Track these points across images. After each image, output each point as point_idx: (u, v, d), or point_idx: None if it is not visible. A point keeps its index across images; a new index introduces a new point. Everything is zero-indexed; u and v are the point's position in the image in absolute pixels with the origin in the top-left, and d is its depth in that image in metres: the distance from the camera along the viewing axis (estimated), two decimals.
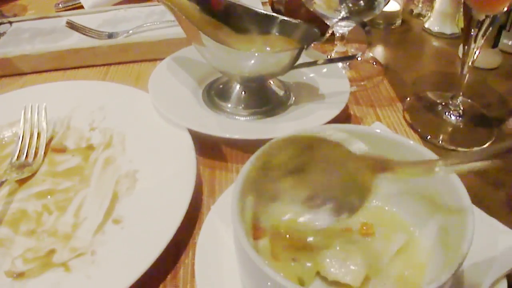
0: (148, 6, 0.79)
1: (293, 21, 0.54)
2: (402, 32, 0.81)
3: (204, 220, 0.40)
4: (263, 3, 0.74)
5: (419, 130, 0.57)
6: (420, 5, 0.84)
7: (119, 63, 0.68)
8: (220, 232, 0.39)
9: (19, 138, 0.53)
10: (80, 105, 0.57)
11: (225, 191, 0.43)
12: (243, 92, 0.56)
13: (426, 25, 0.80)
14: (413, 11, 0.85)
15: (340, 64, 0.63)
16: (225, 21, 0.57)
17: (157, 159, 0.48)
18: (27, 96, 0.59)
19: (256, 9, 0.57)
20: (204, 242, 0.39)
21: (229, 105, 0.56)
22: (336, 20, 0.58)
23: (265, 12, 0.56)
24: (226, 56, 0.52)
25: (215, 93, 0.57)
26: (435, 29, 0.79)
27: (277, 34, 0.56)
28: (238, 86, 0.56)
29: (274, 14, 0.55)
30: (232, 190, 0.34)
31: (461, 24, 0.80)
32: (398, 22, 0.81)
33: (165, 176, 0.46)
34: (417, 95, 0.64)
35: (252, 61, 0.51)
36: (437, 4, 0.79)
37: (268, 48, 0.55)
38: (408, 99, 0.62)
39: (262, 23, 0.56)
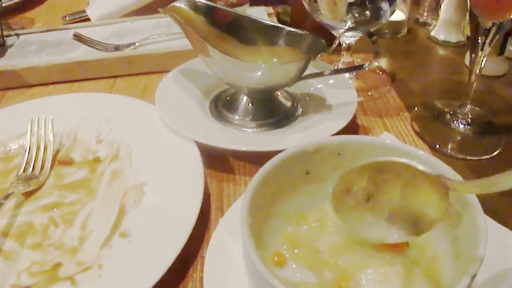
0: (155, 19, 0.79)
1: (300, 32, 0.54)
2: (408, 41, 0.81)
3: (212, 234, 0.40)
4: (269, 14, 0.74)
5: (427, 139, 0.57)
6: (425, 14, 0.84)
7: (126, 75, 0.68)
8: (228, 245, 0.39)
9: (26, 150, 0.53)
10: (86, 117, 0.57)
11: (233, 204, 0.43)
12: (250, 104, 0.56)
13: (432, 34, 0.80)
14: (418, 20, 0.85)
15: (347, 75, 0.63)
16: (231, 33, 0.57)
17: (164, 172, 0.48)
18: (33, 108, 0.59)
19: (263, 20, 0.57)
20: (212, 256, 0.38)
21: (236, 117, 0.55)
22: (343, 30, 0.57)
23: (271, 23, 0.56)
24: (233, 68, 0.52)
25: (222, 105, 0.57)
26: (441, 37, 0.79)
27: (283, 45, 0.56)
28: (245, 98, 0.56)
29: (281, 25, 0.55)
30: (241, 202, 0.33)
31: (467, 32, 0.81)
32: (404, 31, 0.81)
33: (172, 189, 0.46)
34: (424, 104, 0.63)
35: (259, 73, 0.51)
36: (442, 13, 0.79)
37: (275, 59, 0.55)
38: (416, 108, 0.62)
39: (269, 34, 0.56)
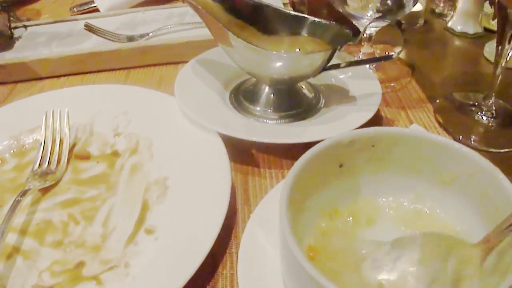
0: (167, 9, 0.77)
1: (324, 22, 0.52)
2: (425, 32, 0.79)
3: (244, 230, 0.38)
4: (284, 4, 0.72)
5: (451, 130, 0.55)
6: (441, 5, 0.83)
7: (140, 67, 0.66)
8: (261, 241, 0.37)
9: (41, 144, 0.51)
10: (102, 110, 0.55)
11: (263, 198, 0.41)
12: (272, 95, 0.54)
13: (449, 25, 0.79)
14: (434, 11, 0.84)
15: (367, 66, 0.61)
16: (251, 22, 0.56)
17: (188, 165, 0.46)
18: (47, 101, 0.57)
19: (284, 10, 0.55)
20: (245, 253, 0.37)
21: (258, 108, 0.54)
22: (370, 20, 0.56)
23: (293, 13, 0.54)
24: (256, 57, 0.50)
25: (243, 96, 0.55)
26: (458, 28, 0.78)
27: (305, 35, 0.54)
28: (267, 89, 0.54)
29: (303, 15, 0.54)
30: (280, 197, 0.32)
31: (484, 24, 0.79)
32: (421, 22, 0.80)
33: (197, 183, 0.44)
34: (446, 96, 0.62)
35: (284, 62, 0.50)
36: (459, 4, 0.77)
37: (297, 50, 0.54)
38: (438, 100, 0.61)
39: (290, 24, 0.54)
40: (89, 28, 0.67)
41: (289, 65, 0.50)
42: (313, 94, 0.56)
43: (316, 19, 0.52)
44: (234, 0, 0.56)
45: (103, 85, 0.59)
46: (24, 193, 0.45)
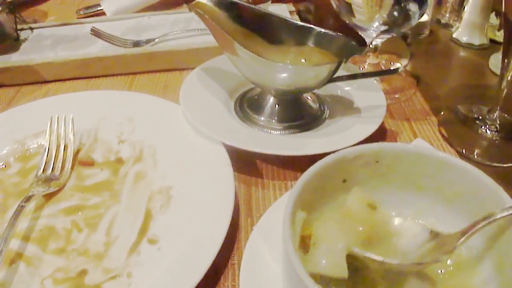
0: (173, 14, 0.77)
1: (330, 33, 0.52)
2: (430, 42, 0.79)
3: (247, 242, 0.38)
4: (290, 12, 0.72)
5: (454, 144, 0.55)
6: (447, 15, 0.83)
7: (145, 72, 0.66)
8: (264, 254, 0.37)
9: (45, 150, 0.52)
10: (107, 116, 0.55)
11: (267, 209, 0.41)
12: (276, 105, 0.54)
13: (454, 36, 0.79)
14: (440, 21, 0.83)
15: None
16: (256, 31, 0.56)
17: (191, 175, 0.46)
18: (52, 106, 0.57)
19: (290, 19, 0.55)
20: (247, 265, 0.37)
21: (262, 118, 0.54)
22: (376, 32, 0.56)
23: (299, 23, 0.54)
24: (261, 68, 0.50)
25: (248, 105, 0.56)
26: (464, 39, 0.77)
27: (312, 45, 0.54)
28: (271, 99, 0.55)
29: (309, 25, 0.54)
30: (283, 212, 0.32)
31: (490, 35, 0.79)
32: (426, 32, 0.80)
33: (201, 194, 0.44)
34: (450, 108, 0.62)
35: (289, 74, 0.50)
36: (465, 14, 0.77)
37: (303, 60, 0.54)
38: (442, 112, 0.61)
39: (296, 33, 0.54)
40: (96, 32, 0.68)
41: (294, 77, 0.50)
42: (317, 105, 0.56)
43: (323, 30, 0.52)
44: (240, 9, 0.56)
45: (108, 91, 0.59)
46: (28, 199, 0.46)
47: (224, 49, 0.53)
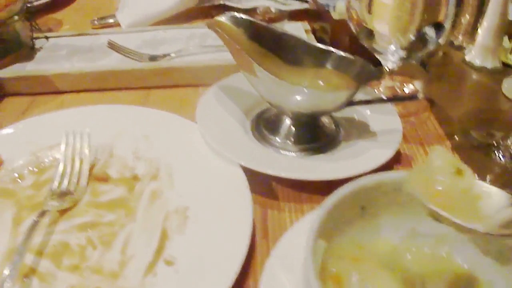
0: (189, 29, 0.78)
1: (349, 56, 0.52)
2: (443, 65, 0.79)
3: (264, 266, 0.38)
4: (306, 31, 0.72)
5: None
6: (460, 37, 0.83)
7: (160, 87, 0.66)
8: (282, 281, 0.37)
9: (60, 164, 0.51)
10: (123, 131, 0.55)
11: (284, 234, 0.41)
12: (293, 127, 0.54)
13: (467, 58, 0.79)
14: (453, 43, 0.84)
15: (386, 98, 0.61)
16: (273, 50, 0.56)
17: (209, 196, 0.46)
18: (67, 119, 0.57)
19: (308, 41, 0.55)
20: None
21: (278, 139, 0.54)
22: (395, 58, 0.56)
23: (317, 45, 0.54)
24: (279, 89, 0.50)
25: (264, 125, 0.56)
26: (477, 62, 0.78)
27: (329, 68, 0.54)
28: (288, 120, 0.55)
29: (328, 48, 0.54)
30: (305, 242, 0.32)
31: (503, 58, 0.79)
32: (440, 54, 0.80)
33: (218, 216, 0.44)
34: (464, 133, 0.62)
35: (307, 97, 0.50)
36: (479, 37, 0.77)
37: (321, 82, 0.54)
38: (456, 137, 0.61)
39: (314, 55, 0.54)
40: (112, 46, 0.68)
41: (312, 100, 0.50)
42: (333, 127, 0.56)
43: (341, 53, 0.53)
44: (257, 28, 0.56)
45: (124, 106, 0.58)
46: (43, 214, 0.46)
47: (242, 68, 0.53)
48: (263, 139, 0.54)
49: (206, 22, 0.53)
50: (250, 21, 0.55)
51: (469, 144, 0.60)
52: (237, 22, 0.55)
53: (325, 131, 0.56)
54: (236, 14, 0.55)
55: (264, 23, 0.55)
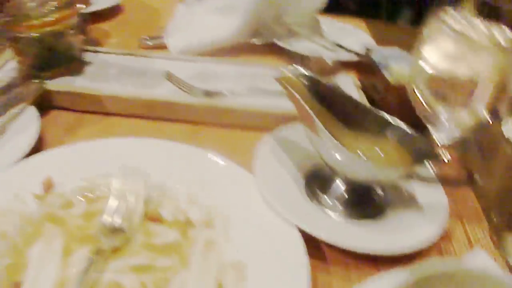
0: (239, 65, 0.78)
1: (412, 132, 0.54)
2: (481, 134, 0.81)
3: None
4: (357, 87, 0.73)
5: (504, 254, 0.57)
6: (500, 109, 0.85)
7: (211, 124, 0.66)
8: None
9: (113, 197, 0.51)
10: (177, 171, 0.55)
11: None
12: (344, 189, 0.55)
13: (504, 131, 0.80)
14: (492, 114, 0.86)
15: (431, 170, 0.63)
16: (334, 111, 0.57)
17: (265, 254, 0.47)
18: (120, 149, 0.57)
19: (373, 110, 0.56)
20: None
21: (328, 199, 0.55)
22: (450, 136, 0.58)
23: (382, 114, 0.55)
24: (337, 153, 0.51)
25: (316, 182, 0.57)
26: None
27: (389, 137, 0.55)
28: (340, 181, 0.56)
29: (393, 119, 0.55)
30: None
31: None
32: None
33: (275, 277, 0.44)
34: (502, 211, 0.63)
35: (364, 168, 0.51)
36: None
37: (378, 150, 0.55)
38: (493, 217, 0.62)
39: (376, 122, 0.56)
40: (170, 77, 0.68)
41: (368, 171, 0.51)
42: (381, 192, 0.57)
43: (405, 126, 0.54)
44: (322, 87, 0.57)
45: (180, 145, 0.58)
46: (98, 252, 0.46)
47: (304, 123, 0.54)
48: (313, 195, 0.55)
49: (276, 78, 0.54)
50: (317, 80, 0.56)
51: (506, 226, 0.62)
52: (303, 78, 0.56)
53: (374, 196, 0.57)
54: (304, 71, 0.56)
55: (330, 84, 0.56)
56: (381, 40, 0.98)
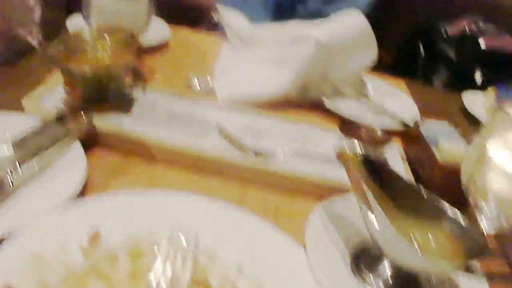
0: (289, 123, 0.77)
1: (468, 226, 0.53)
2: None
3: None
4: (402, 159, 0.73)
5: None
6: None
7: (258, 183, 0.65)
8: None
9: (161, 259, 0.50)
10: (227, 236, 0.54)
11: None
12: (391, 273, 0.54)
13: None
14: None
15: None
16: (382, 186, 0.56)
17: None
18: (168, 206, 0.56)
19: (431, 197, 0.56)
20: None
21: (372, 278, 0.54)
22: (496, 225, 0.57)
23: (440, 203, 0.55)
24: (390, 237, 0.50)
25: (362, 258, 0.56)
26: None
27: (441, 224, 0.55)
28: (387, 264, 0.55)
29: (451, 208, 0.54)
30: None
31: None
32: None
33: None
34: None
35: (416, 258, 0.50)
36: None
37: (430, 237, 0.54)
38: None
39: (431, 209, 0.55)
40: (222, 133, 0.67)
41: (419, 263, 0.50)
42: (429, 283, 0.56)
43: (461, 219, 0.53)
44: (370, 162, 0.56)
45: (231, 207, 0.57)
46: None
47: (360, 199, 0.53)
48: (358, 271, 0.55)
49: (336, 153, 0.53)
50: (369, 156, 0.56)
51: None
52: (364, 159, 0.56)
53: (420, 283, 0.56)
54: (359, 148, 0.56)
55: (390, 169, 0.56)
56: (419, 100, 0.99)
